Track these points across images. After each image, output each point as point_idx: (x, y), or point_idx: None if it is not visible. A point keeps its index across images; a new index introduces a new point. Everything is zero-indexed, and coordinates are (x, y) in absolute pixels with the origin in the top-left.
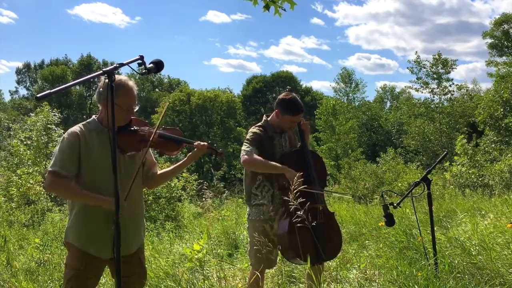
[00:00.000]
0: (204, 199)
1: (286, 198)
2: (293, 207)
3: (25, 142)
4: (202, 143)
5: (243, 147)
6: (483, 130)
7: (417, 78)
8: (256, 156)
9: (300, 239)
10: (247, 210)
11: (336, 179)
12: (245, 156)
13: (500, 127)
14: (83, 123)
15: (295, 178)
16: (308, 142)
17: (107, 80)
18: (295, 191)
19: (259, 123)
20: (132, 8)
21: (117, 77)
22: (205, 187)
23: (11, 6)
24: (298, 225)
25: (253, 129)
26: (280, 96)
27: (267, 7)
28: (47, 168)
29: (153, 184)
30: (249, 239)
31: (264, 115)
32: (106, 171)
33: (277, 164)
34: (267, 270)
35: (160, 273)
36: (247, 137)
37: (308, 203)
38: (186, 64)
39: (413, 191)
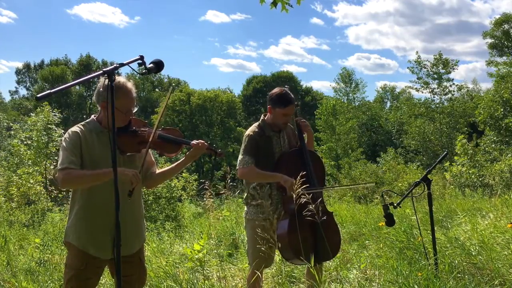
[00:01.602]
0: (217, 192)
1: (293, 198)
2: (295, 207)
3: (25, 142)
4: (201, 141)
5: (239, 157)
6: (483, 130)
7: (417, 78)
8: (251, 168)
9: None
10: (245, 209)
11: (337, 179)
12: (241, 169)
13: (500, 127)
14: (82, 123)
15: (292, 184)
16: (312, 144)
17: (106, 81)
18: (298, 191)
19: (257, 123)
20: (132, 8)
21: (116, 78)
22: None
23: (10, 6)
24: (306, 219)
25: (249, 132)
26: (271, 92)
27: (274, 3)
28: (56, 169)
29: (152, 184)
30: (247, 239)
31: (262, 114)
32: None
33: (272, 173)
34: (266, 270)
35: (161, 273)
36: (243, 144)
37: (318, 202)
38: (186, 64)
39: (413, 191)
